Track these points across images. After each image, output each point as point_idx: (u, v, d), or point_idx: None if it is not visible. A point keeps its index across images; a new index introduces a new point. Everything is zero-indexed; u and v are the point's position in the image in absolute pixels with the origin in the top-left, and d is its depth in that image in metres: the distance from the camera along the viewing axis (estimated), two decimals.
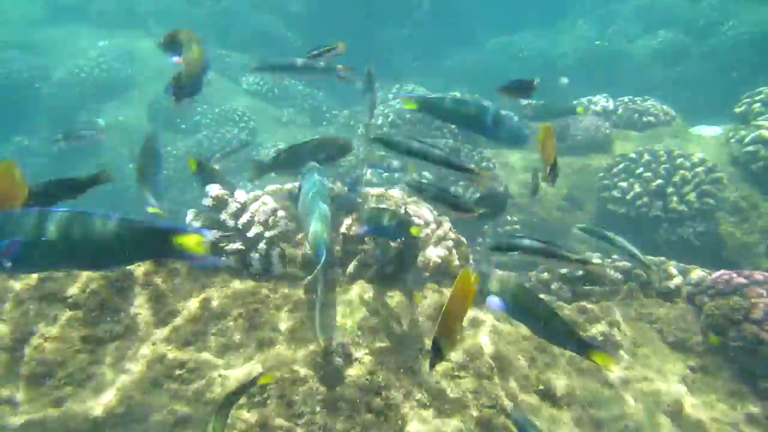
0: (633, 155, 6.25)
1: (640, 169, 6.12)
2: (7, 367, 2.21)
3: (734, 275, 2.88)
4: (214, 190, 2.52)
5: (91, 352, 2.31)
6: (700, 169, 6.05)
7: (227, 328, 2.39)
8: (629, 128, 7.28)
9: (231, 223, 2.50)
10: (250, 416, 2.17)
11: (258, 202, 2.55)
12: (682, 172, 5.97)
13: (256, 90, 11.42)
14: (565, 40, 14.80)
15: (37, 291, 2.38)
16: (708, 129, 7.07)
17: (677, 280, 3.16)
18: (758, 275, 2.83)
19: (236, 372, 2.28)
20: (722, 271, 2.99)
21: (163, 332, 2.38)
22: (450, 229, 2.76)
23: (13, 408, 2.13)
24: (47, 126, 11.36)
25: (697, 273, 3.23)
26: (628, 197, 6.07)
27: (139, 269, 2.54)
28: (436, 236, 2.70)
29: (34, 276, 2.41)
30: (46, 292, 2.38)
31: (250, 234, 2.50)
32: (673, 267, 3.28)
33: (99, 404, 2.18)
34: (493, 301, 1.97)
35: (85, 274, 2.47)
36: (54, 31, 13.65)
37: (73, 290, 2.41)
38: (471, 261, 2.89)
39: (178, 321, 2.39)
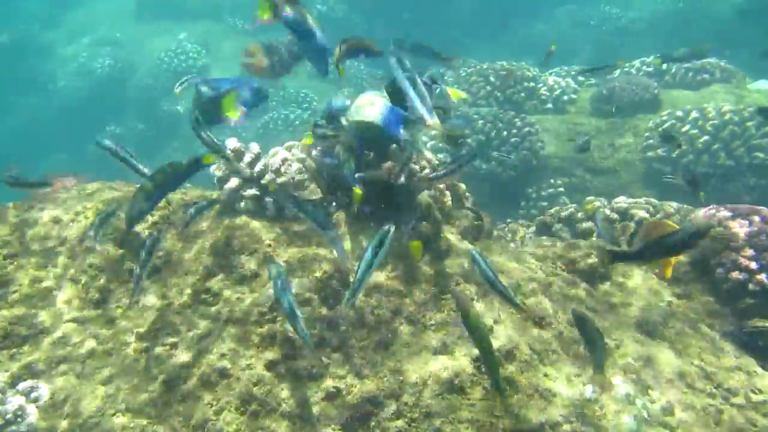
0: (679, 113, 6.21)
1: (687, 126, 6.07)
2: None
3: (721, 209, 2.99)
4: (232, 143, 2.92)
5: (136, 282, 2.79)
6: (750, 123, 5.93)
7: (245, 262, 2.80)
8: (683, 87, 7.17)
9: (247, 172, 2.90)
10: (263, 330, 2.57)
11: (272, 154, 2.95)
12: (730, 127, 5.88)
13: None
14: (637, 4, 14.35)
15: None
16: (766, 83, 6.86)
17: (674, 219, 3.29)
18: (743, 208, 2.93)
19: (252, 296, 2.69)
20: (711, 206, 3.10)
21: (192, 266, 2.82)
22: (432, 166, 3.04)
23: None
24: (133, 116, 12.41)
25: (696, 212, 3.34)
26: (673, 155, 6.05)
27: (177, 214, 3.01)
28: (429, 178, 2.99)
29: None
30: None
31: (264, 181, 2.89)
32: (670, 207, 3.40)
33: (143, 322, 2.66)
34: None
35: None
36: (140, 26, 14.72)
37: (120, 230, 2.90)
38: (468, 202, 3.16)
39: (204, 257, 2.83)
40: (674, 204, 3.46)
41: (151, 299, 2.73)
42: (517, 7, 14.67)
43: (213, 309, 2.66)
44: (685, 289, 2.93)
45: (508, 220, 3.94)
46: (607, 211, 3.37)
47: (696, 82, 7.14)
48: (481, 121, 6.64)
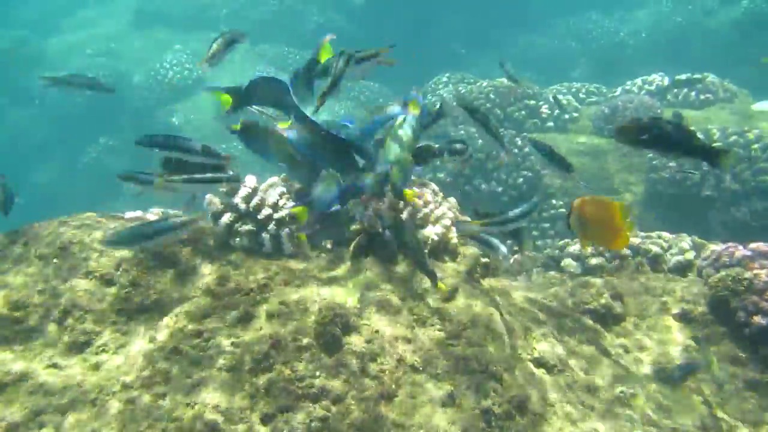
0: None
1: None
2: None
3: (739, 247, 2.87)
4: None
5: (124, 323, 2.63)
6: (756, 146, 5.83)
7: (240, 302, 2.65)
8: (685, 107, 7.07)
9: (243, 206, 2.75)
10: (258, 380, 2.42)
11: (267, 186, 2.80)
12: (735, 149, 5.77)
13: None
14: (635, 18, 14.32)
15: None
16: None
17: (689, 255, 3.16)
18: (764, 247, 2.81)
19: (246, 337, 2.53)
20: (729, 244, 2.97)
21: (184, 307, 2.67)
22: (449, 208, 2.91)
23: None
24: (128, 127, 12.26)
25: (710, 247, 3.22)
26: (677, 177, 5.94)
27: (167, 248, 2.86)
28: (435, 216, 2.86)
29: None
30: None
31: (261, 216, 2.75)
32: (686, 242, 3.27)
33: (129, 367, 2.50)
34: None
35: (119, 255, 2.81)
36: (136, 37, 14.59)
37: (103, 268, 2.74)
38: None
39: (196, 297, 2.68)
40: (688, 239, 3.33)
41: (139, 343, 2.57)
42: (514, 20, 14.63)
43: (205, 354, 2.51)
44: (706, 334, 2.79)
45: (515, 248, 3.82)
46: None
47: (699, 102, 7.05)
48: (480, 141, 6.52)
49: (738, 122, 6.31)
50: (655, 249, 3.21)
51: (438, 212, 2.86)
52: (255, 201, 2.76)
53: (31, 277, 2.75)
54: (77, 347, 2.57)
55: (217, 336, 2.54)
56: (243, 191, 2.76)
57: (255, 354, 2.45)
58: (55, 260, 2.80)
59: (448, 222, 2.84)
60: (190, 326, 2.59)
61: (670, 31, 12.83)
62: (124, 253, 2.80)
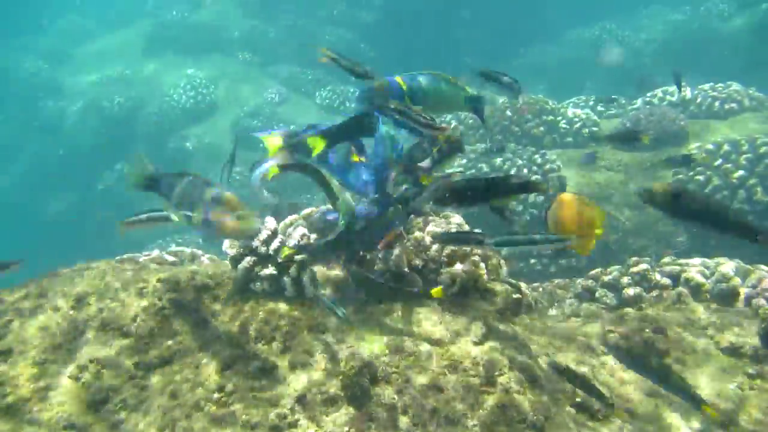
0: (710, 146, 5.91)
1: (719, 161, 5.77)
2: None
3: None
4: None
5: (142, 377, 2.51)
6: None
7: (262, 351, 2.53)
8: (710, 118, 6.88)
9: (263, 249, 2.64)
10: None
11: (286, 226, 2.69)
12: (766, 161, 5.58)
13: (328, 104, 11.79)
14: (650, 27, 14.12)
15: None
16: None
17: (734, 282, 2.98)
18: None
19: (269, 394, 2.41)
20: None
21: (204, 357, 2.55)
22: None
23: None
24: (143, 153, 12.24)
25: (757, 274, 3.03)
26: (706, 191, 5.74)
27: (187, 295, 2.75)
28: (462, 252, 2.72)
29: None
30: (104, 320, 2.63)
31: (281, 259, 2.63)
32: (729, 267, 3.09)
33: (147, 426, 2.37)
34: None
35: (136, 303, 2.71)
36: (149, 63, 14.62)
37: (123, 318, 2.64)
38: (503, 272, 2.88)
39: (216, 346, 2.56)
40: (731, 263, 3.15)
41: (158, 400, 2.45)
42: (527, 31, 14.50)
43: (226, 411, 2.38)
44: (759, 369, 2.61)
45: (546, 284, 3.67)
46: (658, 276, 3.07)
47: (724, 112, 6.86)
48: (499, 159, 6.39)
49: (766, 131, 6.10)
50: (697, 278, 3.02)
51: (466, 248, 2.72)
52: (276, 244, 2.64)
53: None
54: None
55: (240, 391, 2.41)
56: (263, 234, 2.65)
57: (280, 407, 2.32)
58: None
59: (476, 258, 2.70)
60: (211, 380, 2.47)
61: (687, 38, 12.62)
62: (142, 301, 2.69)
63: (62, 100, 13.94)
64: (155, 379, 2.52)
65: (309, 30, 14.22)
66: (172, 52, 14.62)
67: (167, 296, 2.71)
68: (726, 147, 5.77)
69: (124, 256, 3.19)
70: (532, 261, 5.94)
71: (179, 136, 11.67)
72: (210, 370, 2.50)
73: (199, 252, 3.35)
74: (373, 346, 2.53)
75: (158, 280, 2.80)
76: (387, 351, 2.49)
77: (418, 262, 2.75)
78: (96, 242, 8.92)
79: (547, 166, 6.27)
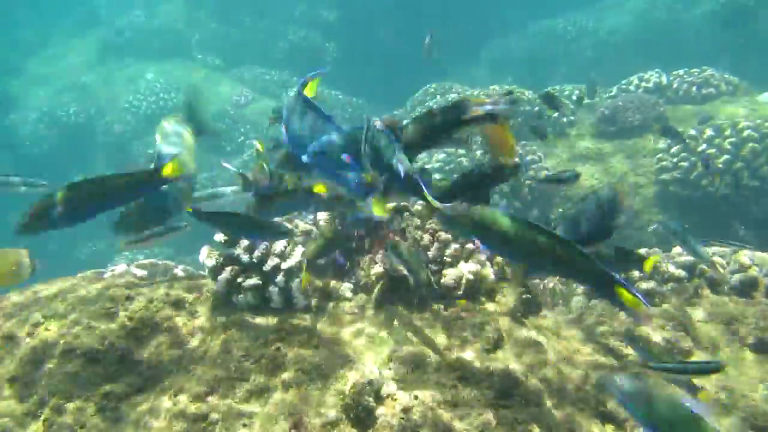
0: (693, 131, 5.79)
1: (703, 146, 5.66)
2: None
3: None
4: None
5: (113, 409, 2.20)
6: None
7: (250, 372, 2.24)
8: (687, 103, 6.79)
9: (245, 257, 2.35)
10: None
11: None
12: (751, 144, 5.47)
13: None
14: (614, 17, 14.12)
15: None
16: None
17: (753, 272, 2.80)
18: None
19: (258, 420, 2.12)
20: None
21: (184, 382, 2.25)
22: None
23: None
24: (102, 163, 11.76)
25: None
26: (691, 177, 5.62)
27: (160, 313, 2.44)
28: (467, 251, 2.48)
29: None
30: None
31: (267, 267, 2.35)
32: (745, 257, 2.91)
33: None
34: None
35: (104, 325, 2.39)
36: (105, 70, 14.06)
37: (89, 341, 2.32)
38: (509, 273, 2.64)
39: (198, 369, 2.26)
40: (747, 252, 2.97)
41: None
42: (490, 25, 14.39)
43: None
44: None
45: (547, 280, 3.44)
46: (671, 268, 2.87)
47: (701, 97, 6.77)
48: (480, 152, 6.18)
49: (748, 116, 6.02)
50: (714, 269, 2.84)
51: (469, 245, 2.48)
52: (259, 251, 2.35)
53: None
54: None
55: (228, 419, 2.12)
56: (245, 241, 2.36)
57: None
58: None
59: (483, 257, 2.46)
60: (193, 407, 2.17)
61: (651, 27, 12.65)
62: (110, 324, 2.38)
63: (15, 112, 13.30)
64: (128, 410, 2.21)
65: (271, 31, 13.85)
66: (130, 58, 14.08)
67: (139, 315, 2.40)
68: (709, 131, 5.67)
69: (87, 273, 2.86)
70: None
71: (143, 143, 11.20)
72: (190, 396, 2.20)
73: (172, 263, 3.04)
74: (375, 359, 2.27)
75: (127, 298, 2.49)
76: (390, 364, 2.24)
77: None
78: (56, 256, 8.47)
79: (528, 157, 6.10)
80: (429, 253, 2.50)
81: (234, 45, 13.82)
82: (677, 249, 2.97)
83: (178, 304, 2.45)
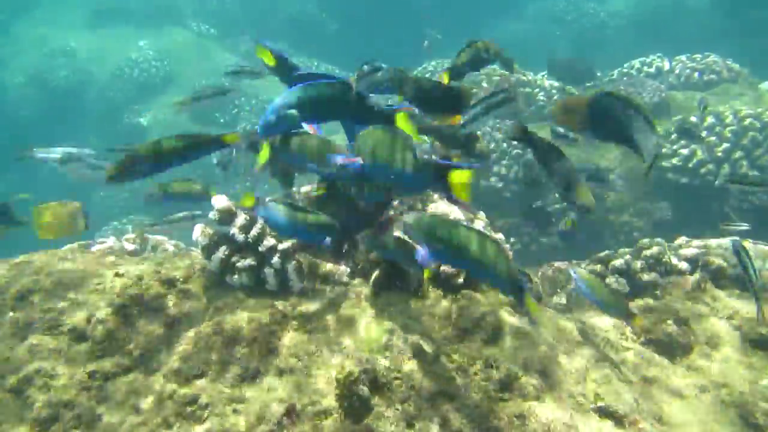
0: (693, 118, 5.72)
1: (703, 134, 5.58)
2: None
3: None
4: (220, 201, 2.29)
5: (99, 388, 2.13)
6: None
7: (242, 356, 2.17)
8: (688, 89, 6.70)
9: (241, 237, 2.27)
10: None
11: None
12: (751, 133, 5.41)
13: None
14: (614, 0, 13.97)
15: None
16: None
17: (756, 264, 2.75)
18: None
19: (251, 406, 2.06)
20: None
21: (174, 364, 2.18)
22: (483, 227, 2.47)
23: None
24: (91, 130, 11.54)
25: None
26: (690, 165, 5.57)
27: (150, 291, 2.36)
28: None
29: None
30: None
31: (262, 248, 2.27)
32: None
33: None
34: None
35: (91, 302, 2.31)
36: (96, 35, 13.75)
37: (77, 320, 2.24)
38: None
39: (188, 348, 2.19)
40: (750, 244, 2.91)
41: (116, 416, 2.07)
42: (490, 6, 14.20)
43: (200, 429, 2.02)
44: None
45: (545, 267, 3.37)
46: (675, 260, 2.81)
47: (703, 83, 6.69)
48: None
49: (750, 103, 5.96)
50: (717, 261, 2.77)
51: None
52: (255, 230, 2.27)
53: None
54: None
55: (217, 404, 2.05)
56: (240, 219, 2.28)
57: (264, 423, 1.98)
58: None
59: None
60: (181, 391, 2.10)
61: (651, 10, 12.53)
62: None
63: (1, 73, 13.00)
64: (114, 391, 2.14)
65: (268, 1, 13.58)
66: (121, 24, 13.77)
67: (128, 292, 2.31)
68: (710, 119, 5.60)
69: (74, 245, 2.77)
70: (512, 239, 5.71)
71: (133, 111, 11.00)
72: (180, 379, 2.13)
73: (164, 238, 2.95)
74: (371, 346, 2.20)
75: (116, 275, 2.41)
76: (387, 352, 2.17)
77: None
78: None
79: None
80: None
81: (229, 14, 13.56)
82: (680, 240, 2.92)
83: (169, 283, 2.36)
